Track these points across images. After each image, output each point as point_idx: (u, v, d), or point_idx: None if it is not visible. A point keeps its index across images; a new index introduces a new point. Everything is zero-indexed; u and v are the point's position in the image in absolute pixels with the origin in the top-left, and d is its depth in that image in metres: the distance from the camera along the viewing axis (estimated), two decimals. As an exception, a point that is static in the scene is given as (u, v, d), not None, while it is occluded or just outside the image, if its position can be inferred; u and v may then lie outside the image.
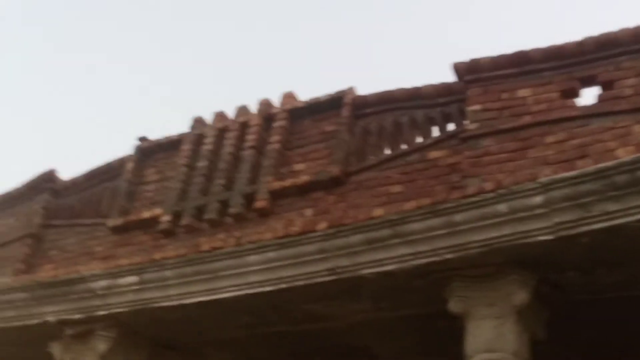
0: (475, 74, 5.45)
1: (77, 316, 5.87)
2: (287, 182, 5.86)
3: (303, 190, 5.80)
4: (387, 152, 5.81)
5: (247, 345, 5.92)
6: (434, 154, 5.49)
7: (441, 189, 5.19)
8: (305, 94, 6.44)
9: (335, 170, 5.73)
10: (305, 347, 5.87)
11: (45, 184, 7.07)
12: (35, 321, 6.01)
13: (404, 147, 5.75)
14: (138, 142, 6.91)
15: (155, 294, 5.62)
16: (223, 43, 22.83)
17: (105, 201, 6.65)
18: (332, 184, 5.71)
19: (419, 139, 5.75)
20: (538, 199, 4.34)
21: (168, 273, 5.57)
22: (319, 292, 5.13)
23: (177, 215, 6.13)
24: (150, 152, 6.84)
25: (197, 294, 5.48)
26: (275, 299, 5.29)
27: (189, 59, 22.78)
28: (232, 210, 5.91)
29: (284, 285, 5.15)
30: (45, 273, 6.36)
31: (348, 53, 21.92)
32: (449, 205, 4.62)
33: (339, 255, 4.92)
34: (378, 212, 4.95)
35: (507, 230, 4.44)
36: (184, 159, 6.49)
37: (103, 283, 5.77)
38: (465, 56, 5.61)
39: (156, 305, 5.62)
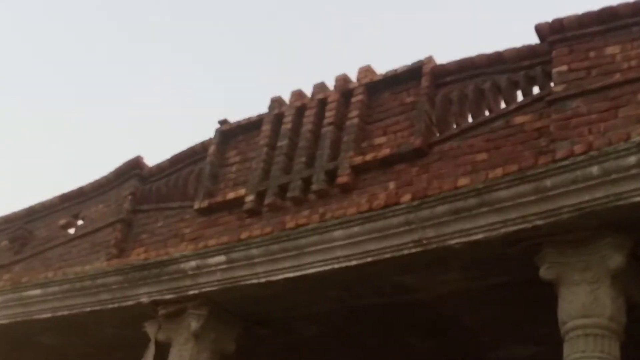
0: (559, 34, 5.27)
1: (169, 296, 6.04)
2: (369, 156, 5.83)
3: (385, 164, 5.76)
4: (470, 120, 5.70)
5: (336, 318, 5.94)
6: (519, 119, 5.34)
7: (529, 155, 5.06)
8: (383, 67, 6.39)
9: (417, 141, 5.66)
10: (394, 319, 5.86)
11: (133, 170, 7.26)
12: (129, 303, 6.21)
13: (487, 114, 5.62)
14: (219, 125, 7.01)
15: (243, 272, 5.72)
16: (294, 24, 23.01)
17: (191, 184, 6.79)
18: (415, 155, 5.65)
19: (503, 105, 5.62)
20: (632, 159, 4.17)
21: (255, 251, 5.65)
22: (406, 264, 5.11)
23: (260, 195, 6.19)
24: (231, 134, 6.93)
25: (284, 271, 5.55)
26: (362, 273, 5.30)
27: (260, 41, 23.08)
28: (314, 187, 5.93)
29: (370, 259, 5.16)
30: (137, 256, 6.55)
31: (421, 22, 21.70)
32: (538, 170, 4.50)
33: (425, 227, 4.87)
34: (463, 181, 4.87)
35: (600, 193, 4.30)
36: (264, 139, 6.55)
37: (193, 263, 5.91)
38: (546, 17, 5.44)
39: (244, 283, 5.72)
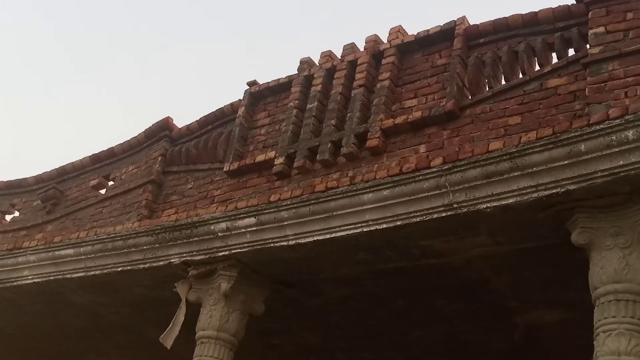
0: (596, -6, 5.13)
1: (199, 257, 6.10)
2: (399, 119, 5.78)
3: (416, 127, 5.70)
4: (503, 82, 5.61)
5: (364, 281, 5.97)
6: (553, 81, 5.24)
7: (563, 118, 4.98)
8: (414, 27, 6.30)
9: (448, 104, 5.59)
10: (422, 282, 5.87)
11: (162, 131, 7.28)
12: (160, 263, 6.29)
13: (521, 76, 5.53)
14: (248, 87, 6.98)
15: (273, 235, 5.75)
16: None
17: (220, 146, 6.79)
18: (446, 118, 5.58)
19: (537, 67, 5.51)
20: (670, 124, 4.09)
21: (284, 214, 5.67)
22: (435, 228, 5.09)
23: (290, 157, 6.19)
24: (261, 96, 6.91)
25: (313, 234, 5.57)
26: (391, 236, 5.30)
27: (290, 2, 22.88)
28: (344, 150, 5.90)
29: (399, 223, 5.15)
30: (167, 217, 6.61)
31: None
32: (572, 134, 4.43)
33: (455, 191, 4.84)
34: (496, 145, 4.82)
35: (635, 157, 4.23)
36: (293, 101, 6.51)
37: (223, 225, 5.95)
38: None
39: (274, 245, 5.75)
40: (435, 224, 5.02)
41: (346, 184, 5.50)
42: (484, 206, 4.74)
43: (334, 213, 5.44)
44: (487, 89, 5.65)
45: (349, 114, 6.11)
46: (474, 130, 5.43)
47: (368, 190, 5.28)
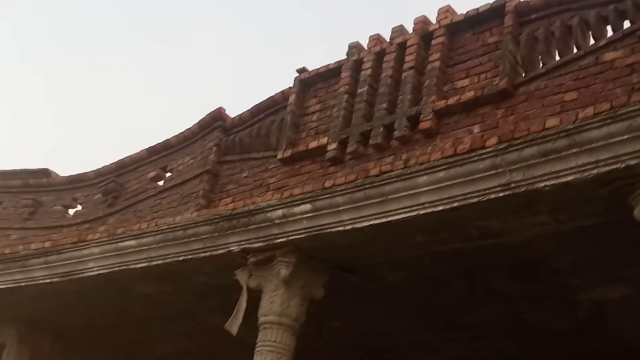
0: (652, -37, 4.98)
1: (258, 245, 6.19)
2: (452, 100, 5.73)
3: (469, 107, 5.65)
4: (557, 58, 5.50)
5: (422, 263, 5.98)
6: (609, 55, 5.12)
7: (621, 92, 4.86)
8: (463, 6, 6.21)
9: (501, 82, 5.52)
10: (481, 263, 5.84)
11: (215, 122, 7.38)
12: (220, 251, 6.41)
13: (575, 51, 5.41)
14: (298, 74, 7.01)
15: (329, 220, 5.80)
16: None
17: (273, 134, 6.85)
18: (500, 97, 5.52)
19: (592, 41, 5.39)
20: None
21: (339, 199, 5.71)
22: (493, 208, 5.06)
23: (343, 143, 6.20)
24: (311, 82, 6.93)
25: (369, 218, 5.59)
26: (448, 218, 5.29)
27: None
28: (397, 133, 5.89)
29: (456, 204, 5.13)
30: (225, 206, 6.72)
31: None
32: (631, 108, 4.34)
33: (512, 170, 4.80)
34: (552, 122, 4.75)
35: (697, 128, 4.12)
36: (344, 87, 6.52)
37: (279, 212, 6.02)
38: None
39: (330, 230, 5.80)
40: (493, 204, 4.99)
41: (400, 167, 5.50)
42: (542, 185, 4.69)
43: (389, 197, 5.45)
44: (541, 65, 5.55)
45: (400, 97, 6.09)
46: (529, 108, 5.35)
47: (423, 172, 5.27)
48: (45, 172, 8.54)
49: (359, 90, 6.39)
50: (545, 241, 5.37)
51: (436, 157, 5.27)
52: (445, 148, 5.38)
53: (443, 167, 5.16)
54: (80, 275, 7.33)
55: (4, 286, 7.87)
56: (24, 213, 8.35)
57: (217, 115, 7.40)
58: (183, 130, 7.71)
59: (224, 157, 7.26)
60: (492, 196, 4.92)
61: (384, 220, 5.49)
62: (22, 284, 7.73)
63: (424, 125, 5.75)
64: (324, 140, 6.33)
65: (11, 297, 8.01)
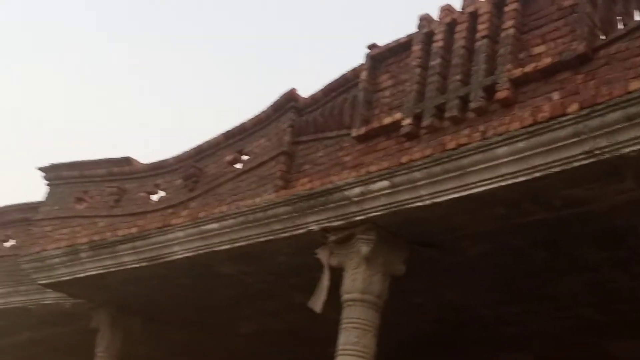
0: None
1: (337, 223, 6.23)
2: (528, 68, 5.59)
3: (547, 74, 5.51)
4: (637, 18, 5.30)
5: (504, 235, 5.90)
6: (694, 11, 4.90)
7: None
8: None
9: (580, 47, 5.35)
10: (565, 232, 5.72)
11: (288, 103, 7.44)
12: (300, 231, 6.48)
13: (658, 9, 5.21)
14: (368, 50, 6.98)
15: (407, 196, 5.78)
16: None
17: (346, 112, 6.86)
18: (579, 62, 5.35)
19: (675, -2, 5.17)
20: None
21: (417, 174, 5.68)
22: (576, 177, 4.94)
23: (417, 117, 6.16)
24: (382, 58, 6.89)
25: (448, 192, 5.55)
26: (530, 189, 5.19)
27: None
28: (473, 104, 5.80)
29: (538, 174, 5.03)
30: (302, 186, 6.77)
31: None
32: None
33: (596, 137, 4.67)
34: (635, 84, 4.58)
35: None
36: (416, 60, 6.45)
37: (357, 190, 6.04)
38: None
39: (409, 206, 5.78)
40: (576, 172, 4.87)
41: (478, 139, 5.41)
42: (628, 150, 4.54)
43: (468, 170, 5.39)
44: (621, 26, 5.35)
45: (474, 68, 5.99)
46: (609, 71, 5.18)
47: (502, 143, 5.18)
48: (127, 160, 8.82)
49: (432, 63, 6.31)
50: (632, 208, 5.20)
51: (515, 127, 5.17)
52: (524, 117, 5.27)
53: (523, 136, 5.06)
54: (167, 259, 7.55)
55: (94, 272, 8.19)
56: (109, 201, 8.66)
57: (290, 97, 7.45)
58: (257, 113, 7.81)
59: (299, 138, 7.32)
60: (576, 164, 4.80)
61: (463, 193, 5.44)
62: (112, 270, 8.03)
63: (501, 94, 5.64)
64: (398, 115, 6.29)
65: (102, 283, 8.33)
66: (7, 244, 11.12)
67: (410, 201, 5.76)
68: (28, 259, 8.73)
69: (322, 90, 7.31)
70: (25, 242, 9.78)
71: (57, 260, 8.42)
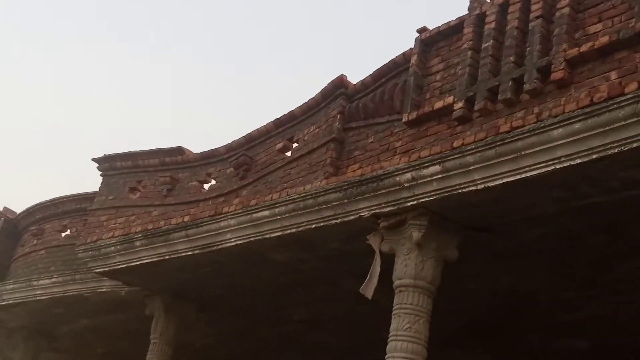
0: None
1: (388, 209, 6.21)
2: (584, 47, 5.44)
3: (603, 53, 5.35)
4: (699, -8, 5.11)
5: (561, 219, 5.80)
6: None
7: None
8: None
9: (638, 25, 5.17)
10: (624, 215, 5.59)
11: (338, 90, 7.40)
12: (351, 217, 6.48)
13: None
14: (418, 34, 6.89)
15: (460, 181, 5.72)
16: None
17: (396, 97, 6.79)
18: (637, 40, 5.17)
19: None
20: None
21: (469, 158, 5.61)
22: (636, 158, 4.83)
23: (469, 101, 6.06)
24: (432, 41, 6.79)
25: (501, 176, 5.47)
26: (586, 171, 5.08)
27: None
28: (527, 86, 5.68)
29: (595, 156, 4.93)
30: (353, 173, 6.77)
31: None
32: None
33: (656, 116, 4.54)
34: (698, 61, 4.43)
35: None
36: (467, 43, 6.34)
37: (408, 175, 6.00)
38: None
39: (461, 191, 5.72)
40: (635, 153, 4.75)
41: (533, 121, 5.32)
42: (690, 129, 4.40)
43: (523, 153, 5.30)
44: (682, 2, 5.17)
45: (528, 49, 5.85)
46: (670, 49, 5.01)
47: (557, 125, 5.08)
48: (179, 150, 8.92)
49: (484, 45, 6.19)
50: (695, 189, 5.06)
51: (571, 108, 5.06)
52: (580, 98, 5.15)
53: (579, 118, 4.95)
54: (219, 247, 7.64)
55: (148, 260, 8.34)
56: (162, 190, 8.78)
57: (339, 83, 7.42)
58: (307, 100, 7.80)
59: (349, 124, 7.28)
60: (635, 145, 4.69)
61: (518, 177, 5.35)
62: (166, 257, 8.16)
63: (556, 75, 5.51)
64: (450, 99, 6.20)
65: (156, 270, 8.48)
66: (64, 234, 11.41)
67: (463, 186, 5.69)
68: (84, 248, 8.93)
69: (371, 75, 7.24)
70: (81, 232, 10.00)
71: (112, 249, 8.60)
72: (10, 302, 10.85)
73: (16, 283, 10.82)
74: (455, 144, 5.81)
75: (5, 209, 12.84)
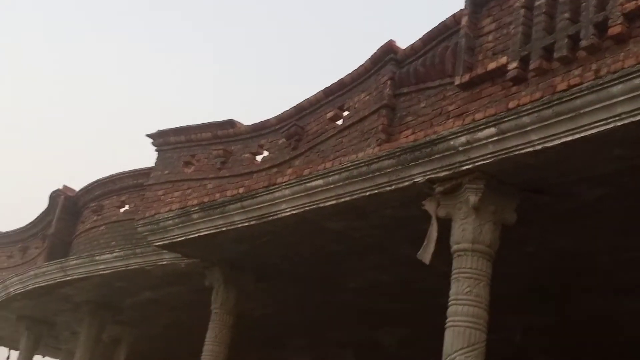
0: None
1: (443, 174, 6.16)
2: (643, 0, 5.26)
3: (663, 5, 5.16)
4: None
5: (623, 178, 5.67)
6: None
7: None
8: None
9: (700, -28, 4.98)
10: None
11: (387, 55, 7.32)
12: (405, 183, 6.45)
13: None
14: (468, -5, 6.74)
15: (516, 142, 5.63)
16: None
17: (448, 60, 6.68)
18: (698, -10, 4.99)
19: None
20: None
21: (526, 119, 5.51)
22: (702, 112, 4.66)
23: (524, 60, 5.92)
24: (483, 2, 6.62)
25: (559, 136, 5.36)
26: (649, 127, 4.94)
27: None
28: (583, 43, 5.51)
29: (658, 111, 4.78)
30: (406, 139, 6.72)
31: None
32: None
33: None
34: None
35: None
36: (519, 1, 6.17)
37: (462, 139, 5.93)
38: None
39: (518, 152, 5.63)
40: (700, 106, 4.59)
41: (591, 78, 5.19)
42: None
43: (581, 111, 5.18)
44: None
45: (583, 4, 5.67)
46: None
47: (617, 81, 4.95)
48: (230, 123, 8.99)
49: (537, 3, 6.03)
50: None
51: (630, 64, 4.92)
52: (639, 53, 4.99)
53: (639, 73, 4.80)
54: (274, 217, 7.70)
55: (206, 232, 8.47)
56: (216, 163, 8.88)
57: (389, 48, 7.34)
58: (356, 67, 7.74)
59: (400, 90, 7.21)
60: (701, 98, 4.52)
61: (577, 136, 5.24)
62: (223, 229, 8.28)
63: (614, 30, 5.33)
64: (503, 59, 6.07)
65: (214, 242, 8.61)
66: (122, 210, 11.67)
67: (520, 147, 5.60)
68: (143, 223, 9.12)
69: (421, 39, 7.14)
70: (139, 207, 10.21)
71: (170, 222, 8.76)
72: (75, 277, 11.18)
73: (79, 258, 11.13)
74: (510, 105, 5.71)
75: (65, 187, 13.19)
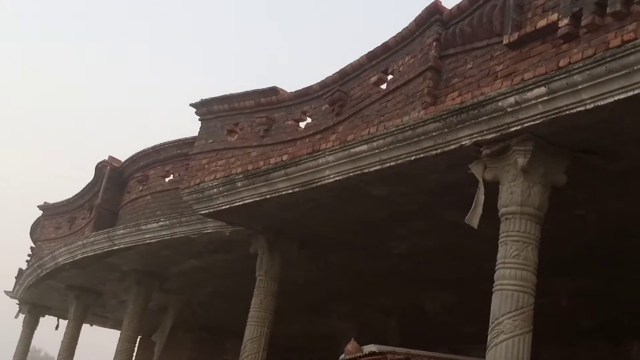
0: None
1: (490, 136, 6.04)
2: (703, -51, 5.04)
3: None
4: None
5: (679, 137, 5.48)
6: None
7: None
8: None
9: None
10: None
11: (432, 16, 7.16)
12: (451, 147, 6.35)
13: None
14: (515, -48, 6.53)
15: (567, 101, 5.48)
16: None
17: (496, 19, 6.50)
18: None
19: None
20: None
21: (577, 77, 5.36)
22: None
23: (575, 17, 5.73)
24: (531, -42, 6.44)
25: (613, 93, 5.21)
26: None
27: None
28: (638, -4, 5.32)
29: None
30: (452, 101, 6.59)
31: None
32: None
33: None
34: None
35: None
36: (570, -45, 5.98)
37: (511, 100, 5.80)
38: None
39: (569, 112, 5.50)
40: None
41: (646, 33, 5.00)
42: None
43: (635, 67, 5.03)
44: None
45: (638, -45, 5.47)
46: None
47: (674, 35, 4.76)
48: (273, 90, 8.94)
49: (588, -43, 5.82)
50: None
51: (689, 16, 4.72)
52: (699, 5, 4.79)
53: (699, 25, 4.62)
54: (318, 184, 7.68)
55: (250, 200, 8.50)
56: (259, 131, 8.86)
57: (434, 9, 7.18)
58: (400, 30, 7.61)
59: (445, 51, 7.06)
60: None
61: (631, 93, 5.09)
62: (267, 197, 8.29)
63: (671, -18, 5.13)
64: (554, 16, 5.89)
65: (258, 210, 8.64)
66: (167, 179, 11.78)
67: (571, 107, 5.46)
68: (188, 191, 9.19)
69: (467, -1, 6.97)
70: (184, 176, 10.29)
71: (215, 190, 8.81)
72: (122, 246, 11.37)
73: (126, 228, 11.30)
74: (561, 64, 5.55)
75: (111, 157, 13.36)
